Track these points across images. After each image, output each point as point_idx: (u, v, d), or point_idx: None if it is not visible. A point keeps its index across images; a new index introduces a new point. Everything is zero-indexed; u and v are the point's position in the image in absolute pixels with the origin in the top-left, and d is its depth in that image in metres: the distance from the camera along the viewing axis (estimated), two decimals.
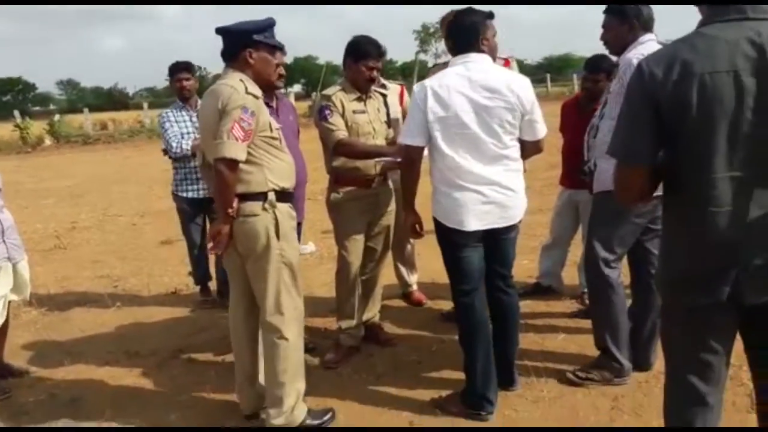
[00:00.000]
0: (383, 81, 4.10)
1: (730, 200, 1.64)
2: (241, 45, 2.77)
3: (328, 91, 3.53)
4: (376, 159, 3.42)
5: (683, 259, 1.76)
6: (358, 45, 3.44)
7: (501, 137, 2.79)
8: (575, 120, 3.92)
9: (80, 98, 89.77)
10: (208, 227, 4.49)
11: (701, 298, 1.72)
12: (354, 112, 3.45)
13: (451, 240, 2.89)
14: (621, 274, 3.12)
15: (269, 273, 2.77)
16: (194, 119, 4.38)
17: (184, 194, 4.48)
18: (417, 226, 3.04)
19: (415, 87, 2.85)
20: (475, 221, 2.83)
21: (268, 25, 2.84)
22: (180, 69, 4.44)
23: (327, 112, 3.41)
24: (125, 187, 11.42)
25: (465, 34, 2.86)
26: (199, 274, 4.73)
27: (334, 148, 3.42)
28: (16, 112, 24.45)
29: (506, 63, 3.87)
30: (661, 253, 1.89)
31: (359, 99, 3.50)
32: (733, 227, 1.65)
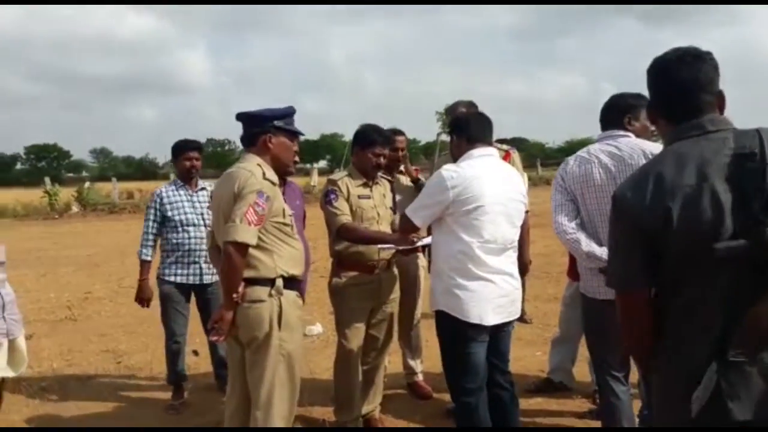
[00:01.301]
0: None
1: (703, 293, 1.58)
2: (261, 130, 2.82)
3: (334, 176, 3.57)
4: (379, 246, 3.38)
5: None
6: (364, 133, 3.54)
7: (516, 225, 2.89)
8: None
9: (112, 167, 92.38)
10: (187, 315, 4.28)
11: None
12: (359, 197, 3.48)
13: (462, 335, 2.79)
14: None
15: (266, 364, 2.69)
16: (194, 199, 4.26)
17: (173, 278, 4.16)
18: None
19: (438, 175, 2.83)
20: (493, 315, 2.79)
21: (289, 113, 2.91)
22: (192, 148, 4.33)
23: (332, 196, 3.44)
24: None
25: (487, 129, 3.01)
26: (177, 370, 4.26)
27: (337, 232, 3.43)
28: (47, 179, 25.11)
29: (507, 156, 3.92)
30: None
31: (365, 185, 3.53)
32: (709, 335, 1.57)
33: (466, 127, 2.98)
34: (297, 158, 3.03)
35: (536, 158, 40.45)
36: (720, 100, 1.70)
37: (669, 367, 1.70)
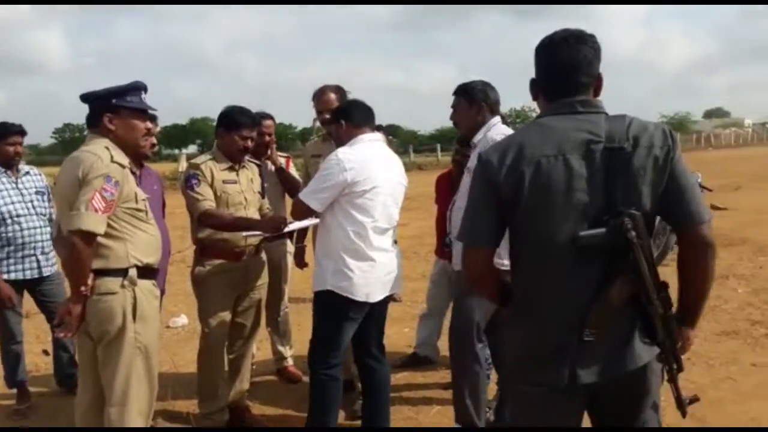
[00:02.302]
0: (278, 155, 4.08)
1: (563, 279, 1.70)
2: (100, 109, 2.61)
3: (197, 160, 3.42)
4: (244, 233, 3.30)
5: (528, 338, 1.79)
6: (229, 115, 3.38)
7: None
8: (447, 193, 4.01)
9: None
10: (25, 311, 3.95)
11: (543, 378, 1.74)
12: (224, 182, 3.35)
13: (344, 313, 2.86)
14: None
15: (121, 358, 2.54)
16: (21, 186, 3.88)
17: (6, 276, 3.73)
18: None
19: (334, 157, 2.84)
20: (379, 293, 2.90)
21: (132, 88, 2.67)
22: (14, 132, 3.89)
23: (194, 181, 3.29)
24: None
25: (370, 115, 3.07)
26: (18, 373, 3.90)
27: (198, 219, 3.29)
28: None
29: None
30: (507, 334, 1.90)
31: (231, 169, 3.40)
32: (567, 308, 1.69)
33: (353, 113, 3.02)
34: (152, 140, 2.86)
35: (409, 145, 41.56)
36: (598, 83, 1.80)
37: (515, 335, 1.83)
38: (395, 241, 3.04)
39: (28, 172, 3.98)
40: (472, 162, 3.06)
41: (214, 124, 3.53)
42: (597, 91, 1.81)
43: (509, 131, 3.03)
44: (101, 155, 2.49)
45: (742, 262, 7.30)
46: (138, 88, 2.68)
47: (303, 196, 2.87)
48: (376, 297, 2.89)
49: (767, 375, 4.01)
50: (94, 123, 2.64)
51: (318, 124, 4.32)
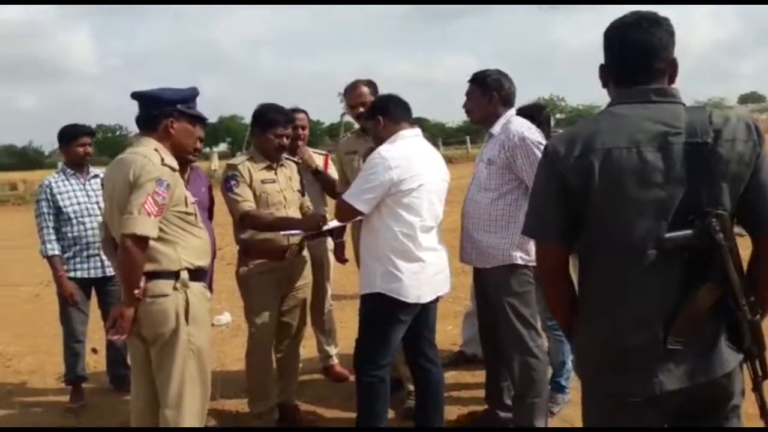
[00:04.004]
0: (312, 151, 4.07)
1: (641, 280, 1.60)
2: (163, 113, 2.60)
3: (234, 161, 3.40)
4: (284, 232, 3.26)
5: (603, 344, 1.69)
6: (263, 114, 3.35)
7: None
8: None
9: None
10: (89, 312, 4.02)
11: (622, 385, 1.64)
12: (263, 181, 3.32)
13: (395, 316, 2.81)
14: None
15: (174, 361, 2.53)
16: (88, 188, 4.00)
17: (72, 274, 3.88)
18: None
19: (378, 156, 2.79)
20: (430, 294, 2.85)
21: (193, 95, 2.70)
22: (83, 133, 4.03)
23: (233, 182, 3.27)
24: (32, 254, 10.67)
25: (408, 110, 3.00)
26: (77, 371, 3.99)
27: (240, 221, 3.27)
28: None
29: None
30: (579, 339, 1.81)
31: (269, 168, 3.36)
32: (647, 312, 1.60)
33: (391, 109, 2.95)
34: (199, 144, 2.86)
35: (438, 138, 41.34)
36: (673, 69, 1.70)
37: (591, 339, 1.72)
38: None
39: (96, 175, 4.06)
40: (491, 152, 2.99)
41: (243, 122, 3.54)
42: (672, 78, 1.70)
43: (530, 125, 2.98)
44: (152, 158, 2.48)
45: None
46: (196, 94, 2.71)
47: (348, 197, 2.79)
48: (427, 297, 2.84)
49: None
50: (150, 125, 2.62)
51: (346, 119, 4.30)
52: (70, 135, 4.00)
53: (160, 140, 2.59)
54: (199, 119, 2.74)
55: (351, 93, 3.71)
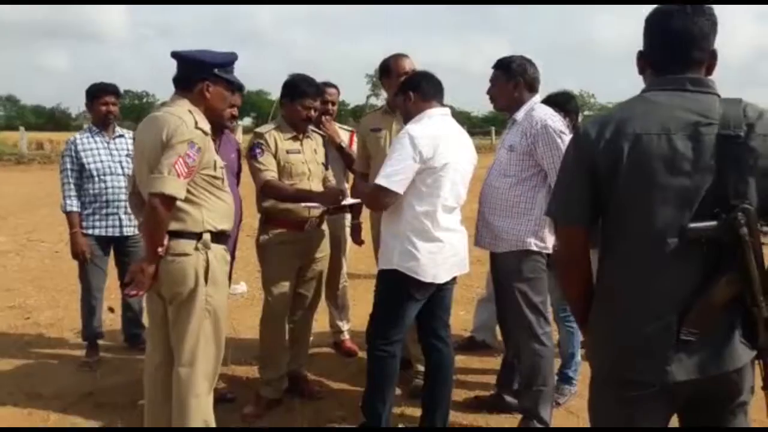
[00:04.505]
0: (338, 126, 4.09)
1: (660, 269, 1.60)
2: (200, 76, 2.61)
3: (261, 129, 3.42)
4: (303, 204, 3.29)
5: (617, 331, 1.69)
6: (294, 84, 3.36)
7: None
8: None
9: (20, 116, 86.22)
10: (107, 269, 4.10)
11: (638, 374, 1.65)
12: (288, 151, 3.34)
13: (410, 293, 2.82)
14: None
15: (191, 319, 2.57)
16: (112, 147, 4.04)
17: (91, 231, 3.95)
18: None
19: (406, 135, 2.74)
20: (445, 274, 2.84)
21: (232, 60, 2.69)
22: (108, 92, 4.04)
23: (257, 150, 3.29)
24: (54, 211, 10.84)
25: (440, 88, 2.95)
26: (94, 326, 4.07)
27: (261, 189, 3.29)
28: None
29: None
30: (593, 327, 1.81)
31: (295, 138, 3.38)
32: (663, 302, 1.60)
33: (423, 86, 2.91)
34: (235, 111, 2.87)
35: (464, 126, 41.00)
36: (712, 60, 1.67)
37: (606, 325, 1.72)
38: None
39: (122, 135, 4.11)
40: (513, 138, 2.98)
41: (269, 97, 3.53)
42: (710, 69, 1.68)
43: (554, 113, 2.96)
44: (186, 120, 2.50)
45: None
46: (234, 59, 2.70)
47: (381, 180, 2.71)
48: (443, 278, 2.84)
49: None
50: (186, 86, 2.63)
51: (371, 101, 4.26)
52: (94, 93, 4.04)
53: (194, 102, 2.61)
54: (236, 85, 2.74)
55: (395, 63, 3.63)
